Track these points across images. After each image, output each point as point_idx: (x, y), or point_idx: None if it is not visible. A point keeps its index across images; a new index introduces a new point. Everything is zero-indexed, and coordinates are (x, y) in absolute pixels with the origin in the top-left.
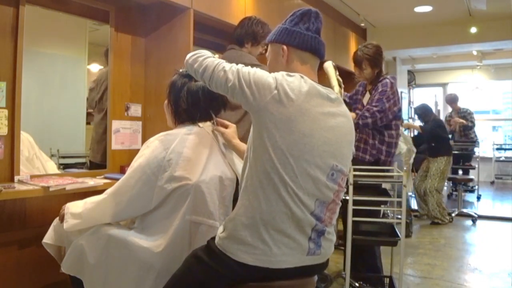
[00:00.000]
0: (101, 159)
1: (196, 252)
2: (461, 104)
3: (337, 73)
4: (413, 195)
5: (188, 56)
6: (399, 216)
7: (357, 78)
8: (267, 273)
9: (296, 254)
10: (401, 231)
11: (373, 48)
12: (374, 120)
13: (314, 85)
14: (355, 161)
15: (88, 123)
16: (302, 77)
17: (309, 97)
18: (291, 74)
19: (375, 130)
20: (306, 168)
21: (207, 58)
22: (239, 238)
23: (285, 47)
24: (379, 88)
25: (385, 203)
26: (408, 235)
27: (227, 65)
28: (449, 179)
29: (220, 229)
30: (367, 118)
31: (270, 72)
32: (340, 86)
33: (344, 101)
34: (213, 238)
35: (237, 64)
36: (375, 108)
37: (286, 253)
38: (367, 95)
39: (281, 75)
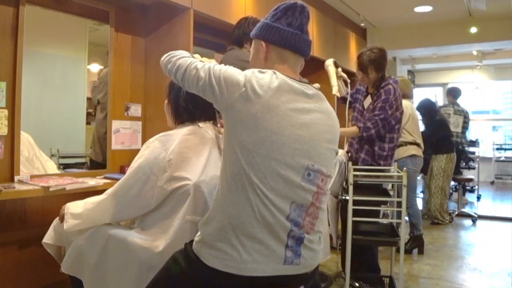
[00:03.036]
0: (103, 158)
1: (175, 255)
2: (462, 103)
3: (340, 69)
4: (420, 196)
5: (163, 57)
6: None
7: (360, 82)
8: (238, 280)
9: (270, 263)
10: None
11: (379, 53)
12: (378, 129)
13: (286, 80)
14: (356, 162)
15: (88, 123)
16: (274, 73)
17: (279, 92)
18: (264, 70)
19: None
20: (275, 167)
21: (181, 58)
22: (210, 243)
23: (264, 43)
24: (382, 96)
25: (385, 203)
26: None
27: (199, 64)
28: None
29: (198, 233)
30: (370, 129)
31: (251, 68)
32: (345, 83)
33: (346, 99)
34: (191, 242)
35: (238, 62)
36: (377, 117)
37: (258, 260)
38: (369, 98)
39: (251, 72)
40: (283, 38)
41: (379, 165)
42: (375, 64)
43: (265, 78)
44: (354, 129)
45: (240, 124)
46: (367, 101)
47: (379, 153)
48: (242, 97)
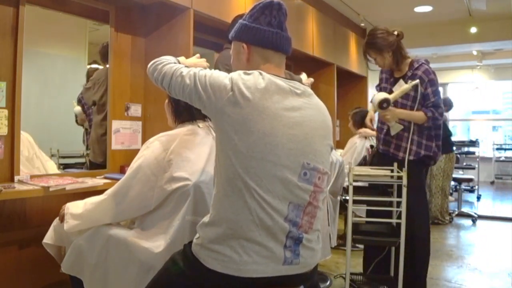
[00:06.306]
0: (101, 160)
1: (174, 256)
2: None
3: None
4: None
5: (149, 65)
6: None
7: (381, 68)
8: (238, 282)
9: (270, 263)
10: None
11: (367, 36)
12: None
13: (273, 80)
14: (390, 159)
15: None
16: (260, 73)
17: (268, 94)
18: (249, 72)
19: (419, 125)
20: (271, 169)
21: (167, 64)
22: (209, 246)
23: (245, 45)
24: (424, 78)
25: (385, 203)
26: None
27: (185, 70)
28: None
29: (196, 235)
30: (438, 120)
31: (234, 70)
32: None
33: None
34: (190, 243)
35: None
36: (442, 105)
37: (258, 261)
38: (401, 84)
39: (237, 75)
40: (265, 38)
41: (429, 156)
42: (374, 46)
43: (251, 80)
44: (421, 115)
45: (231, 128)
46: (400, 86)
47: (427, 144)
48: (230, 102)
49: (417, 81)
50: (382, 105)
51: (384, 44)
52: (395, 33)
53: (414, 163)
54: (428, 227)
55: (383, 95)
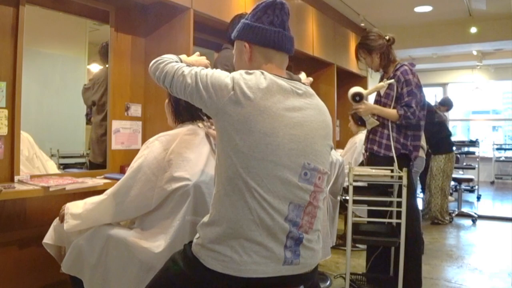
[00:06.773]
0: (101, 160)
1: (174, 256)
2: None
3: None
4: (420, 196)
5: (151, 63)
6: None
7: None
8: (239, 282)
9: (270, 264)
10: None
11: (361, 38)
12: (418, 119)
13: (274, 80)
14: (372, 155)
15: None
16: (262, 73)
17: (269, 93)
18: (251, 71)
19: (396, 123)
20: (272, 169)
21: (168, 63)
22: (209, 246)
23: (247, 44)
24: (401, 78)
25: (385, 203)
26: None
27: (186, 69)
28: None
29: (197, 234)
30: (410, 119)
31: (236, 70)
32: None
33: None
34: (190, 243)
35: (231, 64)
36: (414, 106)
37: (258, 261)
38: (382, 84)
39: (239, 74)
40: (267, 37)
41: (404, 154)
42: (364, 47)
43: (253, 79)
44: (393, 112)
45: (232, 128)
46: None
47: (404, 143)
48: (232, 101)
49: (392, 80)
50: (355, 98)
51: (373, 45)
52: (386, 37)
53: (395, 159)
54: (419, 223)
55: (357, 89)
